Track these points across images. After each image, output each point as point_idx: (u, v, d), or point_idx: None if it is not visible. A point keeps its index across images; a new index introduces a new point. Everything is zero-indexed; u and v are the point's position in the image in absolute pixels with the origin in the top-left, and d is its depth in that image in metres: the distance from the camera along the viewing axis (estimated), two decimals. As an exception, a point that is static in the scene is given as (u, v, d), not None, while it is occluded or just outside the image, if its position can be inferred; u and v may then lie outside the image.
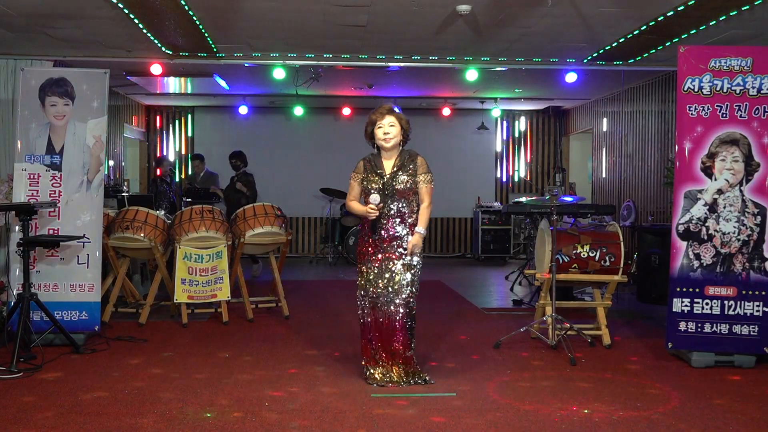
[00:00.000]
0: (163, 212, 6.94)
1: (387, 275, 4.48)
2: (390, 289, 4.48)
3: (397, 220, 4.49)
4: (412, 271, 4.51)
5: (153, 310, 6.61)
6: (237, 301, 6.84)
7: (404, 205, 4.51)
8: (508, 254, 12.28)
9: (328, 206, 11.99)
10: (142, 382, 4.54)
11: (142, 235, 6.35)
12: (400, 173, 4.52)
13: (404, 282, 4.49)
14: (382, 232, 4.48)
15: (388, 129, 4.53)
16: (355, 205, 4.64)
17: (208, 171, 10.73)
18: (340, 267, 11.26)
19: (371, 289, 4.51)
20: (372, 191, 4.51)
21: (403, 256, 4.49)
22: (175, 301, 6.44)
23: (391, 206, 4.49)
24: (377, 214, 4.47)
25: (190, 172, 12.40)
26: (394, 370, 4.48)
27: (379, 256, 4.50)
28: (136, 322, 6.37)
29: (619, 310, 7.31)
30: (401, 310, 4.49)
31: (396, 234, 4.49)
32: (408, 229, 4.51)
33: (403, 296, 4.49)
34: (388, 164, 4.58)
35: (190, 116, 12.71)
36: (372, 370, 4.51)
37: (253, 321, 6.60)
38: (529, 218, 8.89)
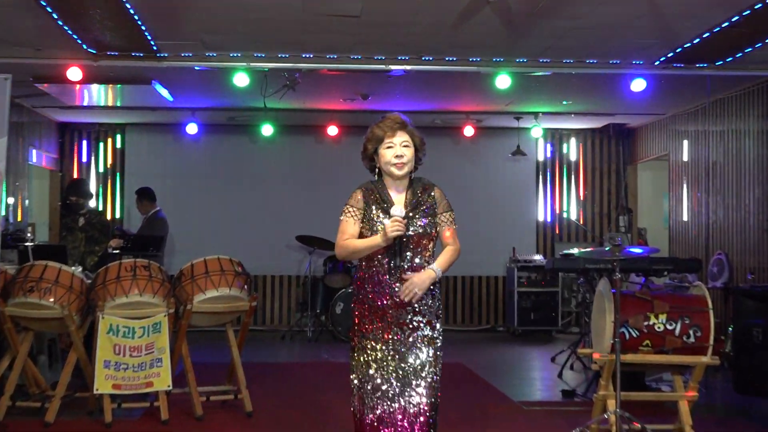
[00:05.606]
0: (80, 269, 6.94)
1: (403, 351, 4.42)
2: (407, 370, 4.42)
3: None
4: (435, 346, 4.47)
5: (64, 405, 6.56)
6: (181, 392, 6.80)
7: (420, 257, 4.43)
8: (555, 327, 12.25)
9: (308, 260, 12.00)
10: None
11: (51, 300, 6.33)
12: (417, 213, 4.47)
13: (426, 361, 4.44)
14: (401, 275, 4.39)
15: (402, 150, 4.43)
16: (356, 242, 4.42)
17: (159, 214, 10.32)
18: (324, 344, 11.22)
19: (378, 373, 4.43)
20: (381, 228, 4.31)
21: (422, 326, 4.44)
22: (95, 392, 6.40)
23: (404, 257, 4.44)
24: (403, 229, 4.26)
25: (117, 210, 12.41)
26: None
27: (389, 326, 4.43)
28: (42, 420, 6.32)
29: (710, 404, 7.29)
30: (424, 399, 4.42)
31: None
32: (427, 290, 4.45)
33: (427, 380, 4.44)
34: (399, 198, 4.52)
35: (119, 137, 12.79)
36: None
37: (202, 419, 6.56)
38: (584, 277, 8.89)
